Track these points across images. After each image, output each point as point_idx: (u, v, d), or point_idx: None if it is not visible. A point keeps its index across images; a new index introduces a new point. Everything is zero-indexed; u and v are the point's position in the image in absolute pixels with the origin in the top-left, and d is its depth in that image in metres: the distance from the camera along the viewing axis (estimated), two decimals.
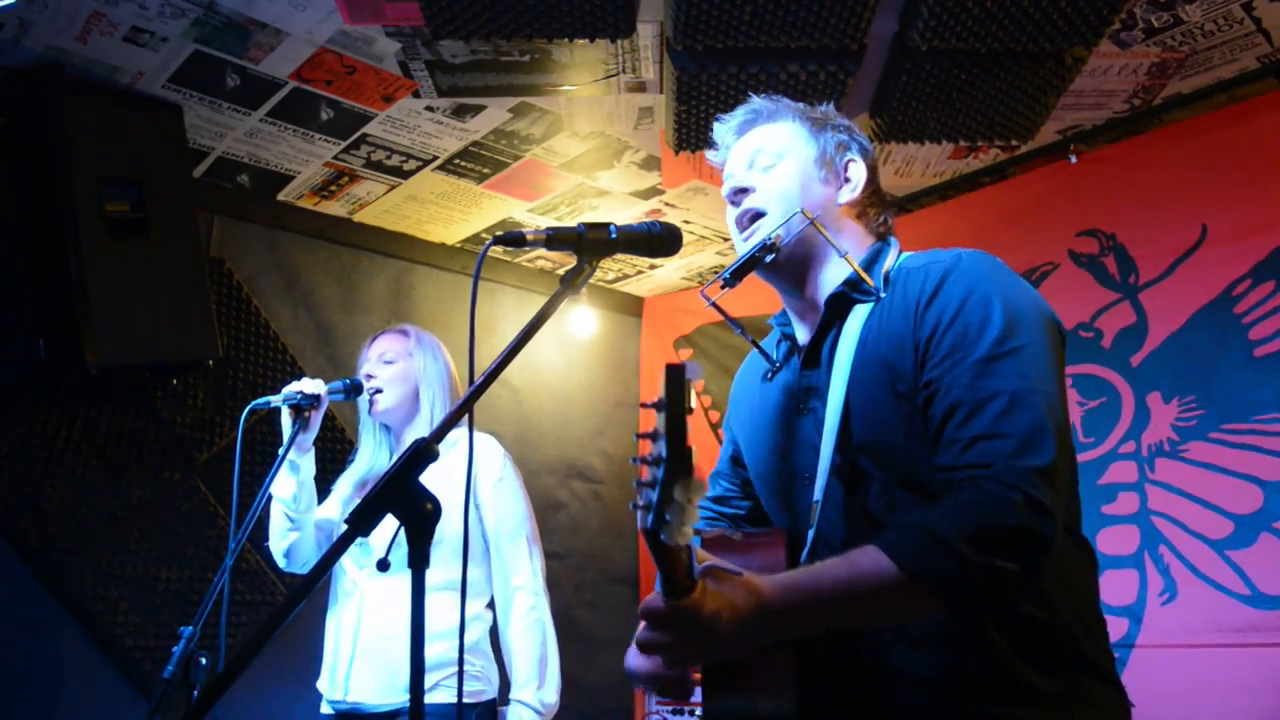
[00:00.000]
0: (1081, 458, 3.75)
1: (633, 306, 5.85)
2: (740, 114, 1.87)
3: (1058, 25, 2.99)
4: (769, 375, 1.83)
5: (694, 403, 1.11)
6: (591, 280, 1.62)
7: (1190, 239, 3.67)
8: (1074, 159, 3.94)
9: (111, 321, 3.28)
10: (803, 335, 1.79)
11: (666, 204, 4.54)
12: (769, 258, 1.71)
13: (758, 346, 1.90)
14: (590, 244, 1.61)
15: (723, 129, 1.88)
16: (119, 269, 3.32)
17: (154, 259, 3.42)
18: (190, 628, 2.66)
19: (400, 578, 2.83)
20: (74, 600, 3.63)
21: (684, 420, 1.10)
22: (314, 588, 1.32)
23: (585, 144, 3.99)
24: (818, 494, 1.59)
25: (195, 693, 2.63)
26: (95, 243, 3.28)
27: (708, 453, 5.43)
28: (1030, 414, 1.41)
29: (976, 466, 1.40)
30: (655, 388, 5.65)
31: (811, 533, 1.59)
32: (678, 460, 1.10)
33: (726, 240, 4.93)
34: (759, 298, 1.95)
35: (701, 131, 3.47)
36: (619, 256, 1.70)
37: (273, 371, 4.25)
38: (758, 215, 1.76)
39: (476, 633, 2.90)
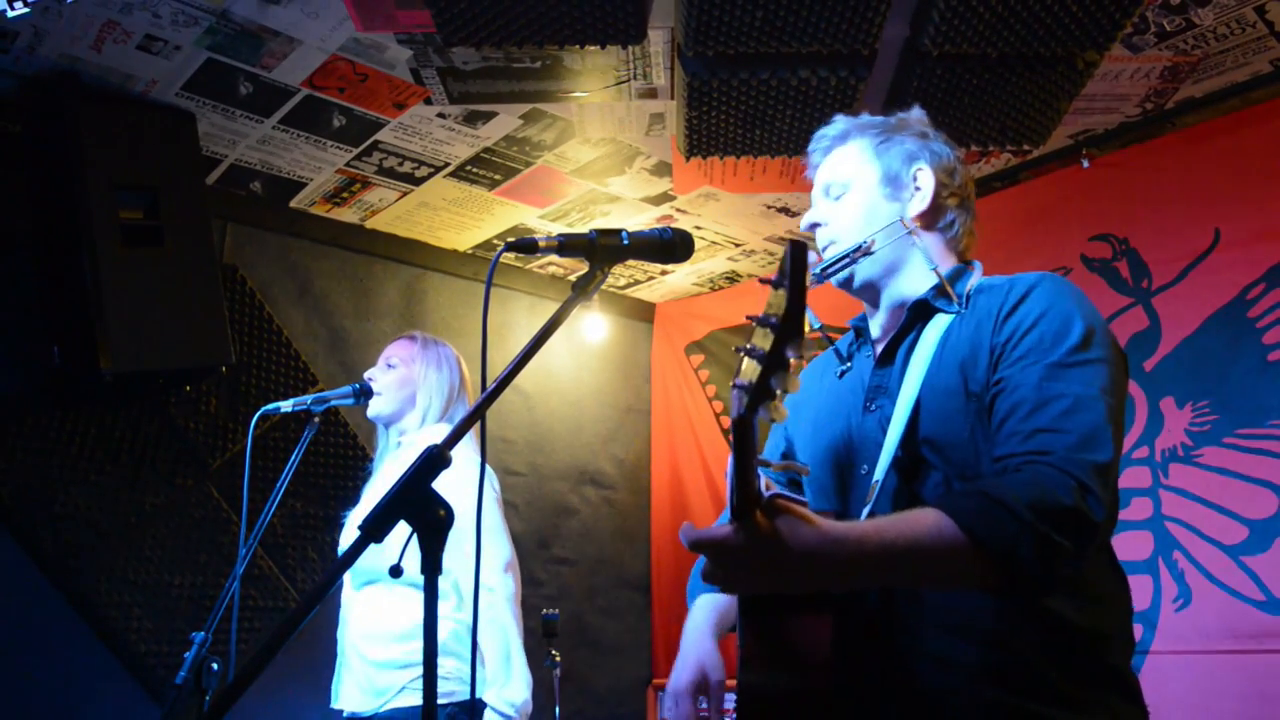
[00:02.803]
0: None
1: (644, 312, 5.85)
2: (832, 132, 1.90)
3: (1069, 29, 2.99)
4: (840, 374, 1.87)
5: (810, 280, 1.19)
6: (603, 286, 1.62)
7: (1203, 243, 3.66)
8: (1086, 163, 3.93)
9: (125, 328, 3.29)
10: (878, 338, 1.83)
11: (678, 210, 4.54)
12: (861, 260, 1.76)
13: (834, 346, 1.95)
14: (602, 250, 1.61)
15: (815, 144, 1.93)
16: (133, 276, 3.34)
17: (168, 266, 3.43)
18: (203, 633, 2.67)
19: (375, 584, 2.86)
20: (88, 605, 3.64)
21: (804, 291, 1.16)
22: (326, 594, 1.33)
23: (596, 150, 4.00)
24: (878, 475, 1.61)
25: (207, 698, 2.64)
26: (109, 250, 3.30)
27: (719, 458, 5.40)
28: (1092, 416, 1.46)
29: (1036, 453, 1.45)
30: (667, 392, 5.68)
31: (867, 509, 1.60)
32: (794, 320, 1.14)
33: (738, 245, 4.93)
34: (834, 307, 2.03)
35: (713, 137, 3.47)
36: (630, 262, 1.72)
37: (285, 377, 4.27)
38: (829, 246, 1.82)
39: (443, 632, 2.80)
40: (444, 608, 2.86)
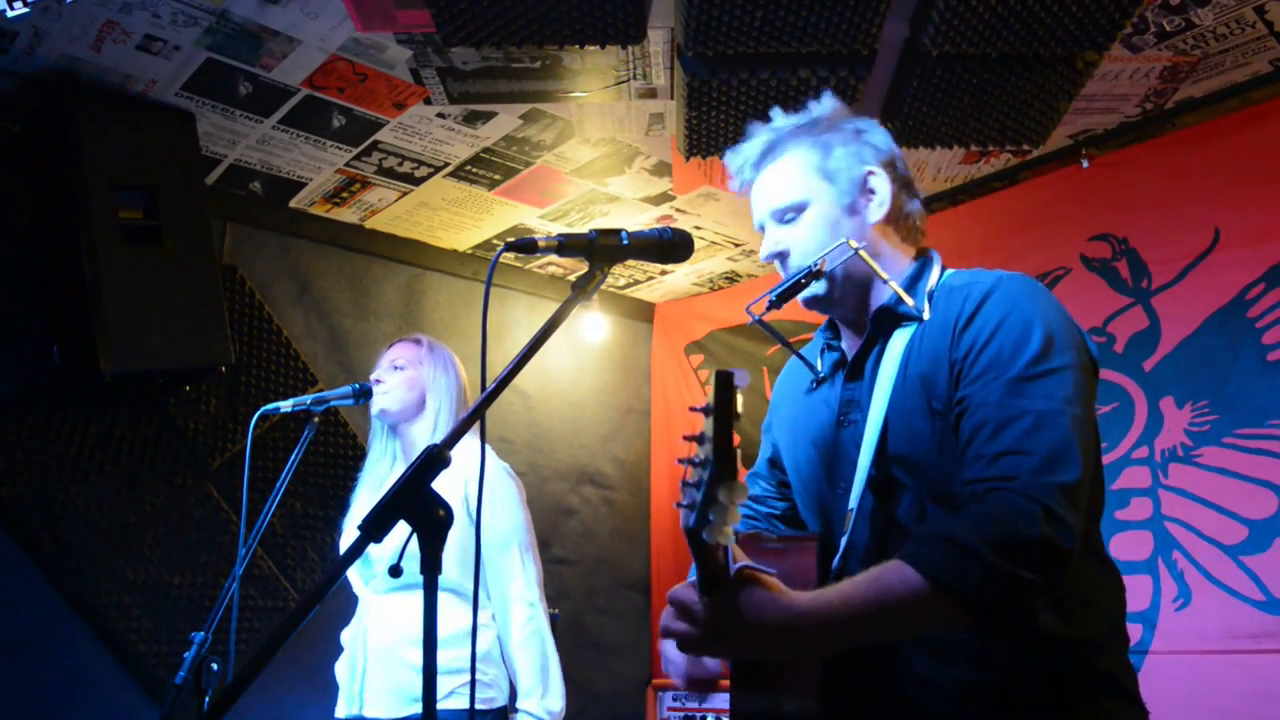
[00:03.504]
0: None
1: (644, 312, 5.86)
2: (756, 147, 1.82)
3: (1069, 29, 2.99)
4: (813, 385, 1.83)
5: (740, 408, 1.18)
6: (603, 286, 1.61)
7: (1203, 243, 3.66)
8: (1086, 163, 3.93)
9: (125, 328, 3.29)
10: (849, 348, 1.79)
11: (677, 210, 4.54)
12: (813, 284, 1.71)
13: (802, 358, 1.89)
14: (602, 250, 1.60)
15: (739, 160, 1.84)
16: (133, 276, 3.34)
17: (167, 266, 3.43)
18: (202, 633, 2.67)
19: (405, 589, 2.85)
20: (87, 606, 3.64)
21: (731, 425, 1.16)
22: (326, 594, 1.33)
23: (596, 150, 4.00)
24: (852, 502, 1.61)
25: (207, 698, 2.64)
26: (109, 250, 3.30)
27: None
28: (1056, 433, 1.43)
29: (1001, 479, 1.42)
30: (667, 393, 5.67)
31: (844, 540, 1.61)
32: (723, 463, 1.16)
33: (738, 245, 4.93)
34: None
35: (713, 137, 3.47)
36: (630, 262, 1.72)
37: (285, 378, 4.27)
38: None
39: (485, 641, 2.90)
40: (482, 617, 2.92)
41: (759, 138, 1.83)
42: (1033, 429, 1.43)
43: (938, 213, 4.39)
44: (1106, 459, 3.71)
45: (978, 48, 3.06)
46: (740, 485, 1.17)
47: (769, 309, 1.75)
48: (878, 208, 1.76)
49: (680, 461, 1.25)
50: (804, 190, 1.75)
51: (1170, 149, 3.79)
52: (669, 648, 1.73)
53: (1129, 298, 3.83)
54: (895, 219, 1.78)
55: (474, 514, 2.92)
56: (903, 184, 1.79)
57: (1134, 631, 3.51)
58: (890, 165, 1.78)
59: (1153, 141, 3.84)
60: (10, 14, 2.79)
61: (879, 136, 1.81)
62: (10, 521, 3.54)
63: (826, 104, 1.84)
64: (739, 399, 1.18)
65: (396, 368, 3.08)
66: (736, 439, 1.18)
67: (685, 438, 1.24)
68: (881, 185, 1.76)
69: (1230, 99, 3.59)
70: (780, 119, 1.84)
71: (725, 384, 1.17)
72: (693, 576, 1.43)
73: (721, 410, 1.17)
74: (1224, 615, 3.38)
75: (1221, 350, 3.55)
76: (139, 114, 3.49)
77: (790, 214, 1.75)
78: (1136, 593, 3.55)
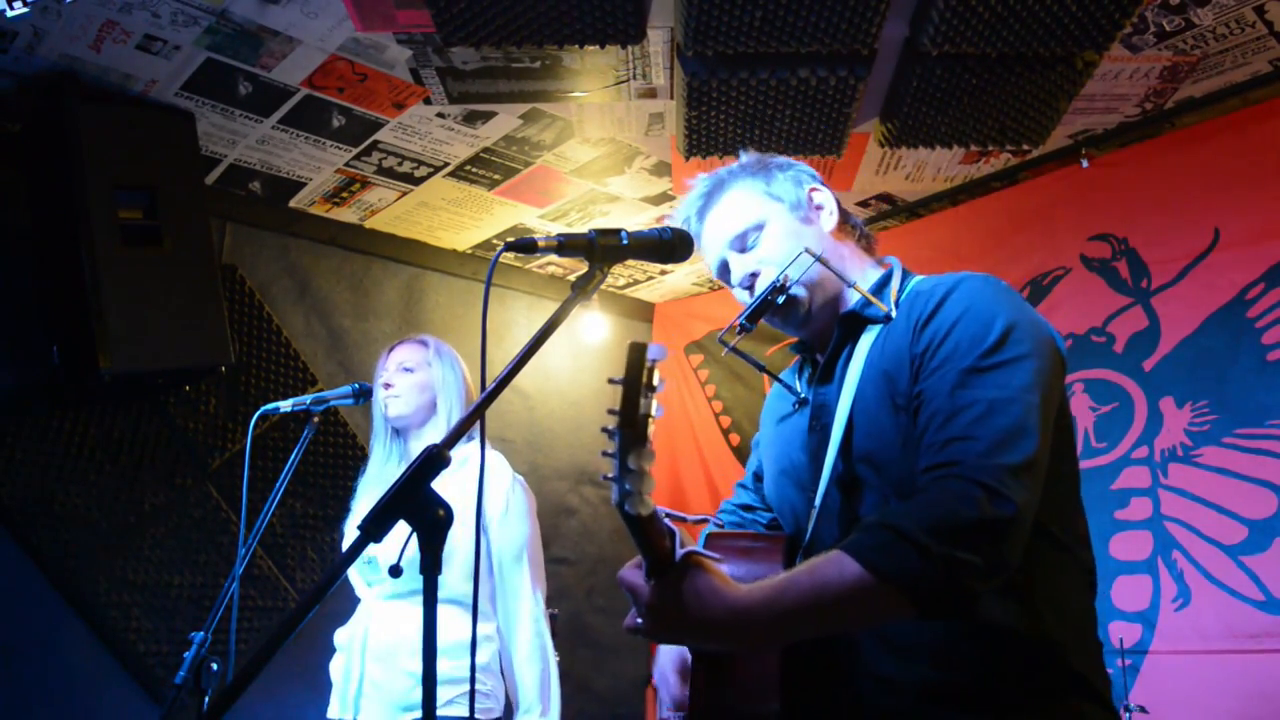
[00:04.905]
0: (1094, 463, 3.74)
1: (644, 312, 5.86)
2: (696, 197, 1.88)
3: (1069, 29, 2.99)
4: (795, 406, 1.85)
5: (657, 380, 1.22)
6: (603, 286, 1.61)
7: (1203, 243, 3.66)
8: (1085, 163, 3.93)
9: (125, 328, 3.29)
10: (821, 359, 1.81)
11: None
12: (780, 299, 1.72)
13: (780, 381, 1.91)
14: (601, 250, 1.58)
15: (681, 217, 1.89)
16: (132, 276, 3.34)
17: (167, 266, 3.43)
18: (202, 633, 2.67)
19: (409, 596, 2.83)
20: (87, 605, 3.64)
21: (638, 393, 1.20)
22: (326, 595, 1.32)
23: (596, 150, 4.00)
24: (816, 501, 1.61)
25: (207, 698, 2.64)
26: (109, 250, 3.30)
27: (719, 459, 5.41)
28: (1005, 419, 1.42)
29: (945, 465, 1.42)
30: (665, 393, 5.64)
31: (806, 539, 1.62)
32: (629, 428, 1.19)
33: None
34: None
35: (713, 137, 3.47)
36: (630, 262, 1.71)
37: (285, 377, 4.27)
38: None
39: (487, 653, 2.89)
40: (486, 628, 2.91)
41: (695, 190, 1.89)
42: (982, 416, 1.43)
43: (937, 213, 4.39)
44: (1106, 459, 3.72)
45: (977, 47, 3.06)
46: (649, 450, 1.19)
47: (741, 333, 1.77)
48: (829, 216, 1.82)
49: (604, 430, 1.26)
50: (759, 212, 1.80)
51: (1170, 149, 3.79)
52: (661, 687, 1.78)
53: (1129, 298, 3.83)
54: (846, 230, 1.85)
55: (485, 525, 2.93)
56: (838, 202, 1.87)
57: (1134, 631, 3.52)
58: (825, 184, 1.86)
59: (1153, 141, 3.84)
60: (10, 14, 2.79)
61: (806, 166, 1.88)
62: (10, 521, 3.55)
63: (744, 156, 1.92)
64: (655, 372, 1.22)
65: (405, 370, 3.05)
66: (650, 408, 1.21)
67: (609, 411, 1.25)
68: (826, 199, 1.83)
69: (1230, 99, 3.59)
70: (705, 175, 1.90)
71: (635, 354, 1.21)
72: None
73: (629, 378, 1.20)
74: (1224, 615, 3.38)
75: (1221, 350, 3.55)
76: (139, 114, 3.48)
77: (751, 235, 1.80)
78: (1136, 592, 3.55)
